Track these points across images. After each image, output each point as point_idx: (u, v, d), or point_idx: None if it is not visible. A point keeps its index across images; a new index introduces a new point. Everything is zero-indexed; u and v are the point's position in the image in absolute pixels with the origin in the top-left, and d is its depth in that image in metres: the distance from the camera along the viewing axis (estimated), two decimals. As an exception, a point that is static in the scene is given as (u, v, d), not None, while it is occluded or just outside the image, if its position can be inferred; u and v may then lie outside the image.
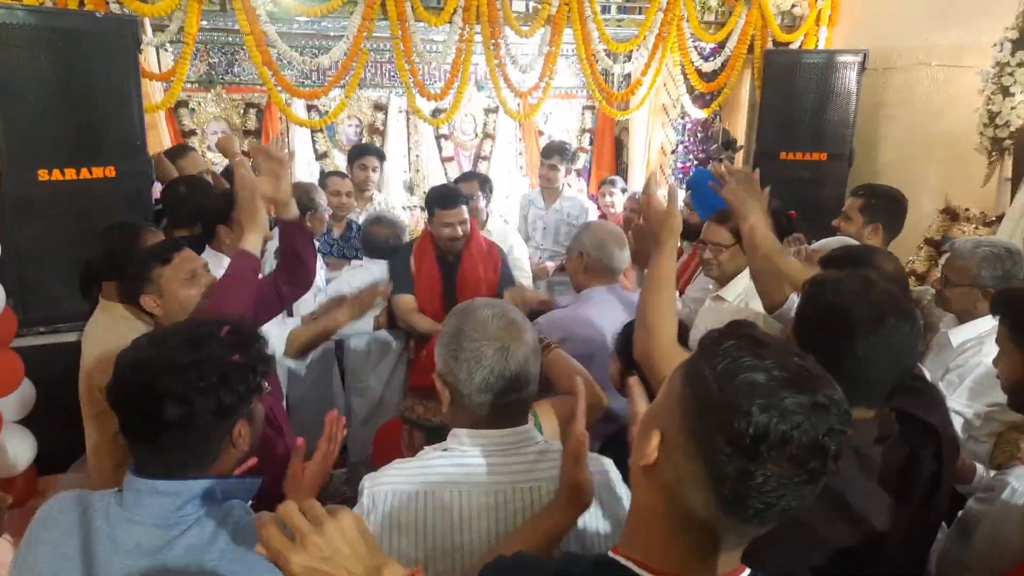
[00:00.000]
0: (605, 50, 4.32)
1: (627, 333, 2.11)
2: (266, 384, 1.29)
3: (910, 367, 1.34)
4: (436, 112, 4.89)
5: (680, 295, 3.00)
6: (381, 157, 4.43)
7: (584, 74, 4.33)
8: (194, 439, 1.19)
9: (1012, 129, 3.57)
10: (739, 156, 4.91)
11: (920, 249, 4.00)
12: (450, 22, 3.85)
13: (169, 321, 1.96)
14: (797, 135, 4.45)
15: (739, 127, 5.05)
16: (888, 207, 2.85)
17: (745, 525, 0.77)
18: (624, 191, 4.59)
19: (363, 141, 5.32)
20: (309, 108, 5.14)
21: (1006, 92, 3.56)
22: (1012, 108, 3.56)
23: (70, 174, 2.88)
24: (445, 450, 1.32)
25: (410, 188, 5.66)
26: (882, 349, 1.26)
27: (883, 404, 1.34)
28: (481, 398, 1.29)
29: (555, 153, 4.24)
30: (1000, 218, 3.61)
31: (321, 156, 5.29)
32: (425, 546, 1.24)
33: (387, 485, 1.28)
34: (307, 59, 3.92)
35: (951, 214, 3.98)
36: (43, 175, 2.82)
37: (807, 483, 0.75)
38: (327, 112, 4.79)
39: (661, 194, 1.86)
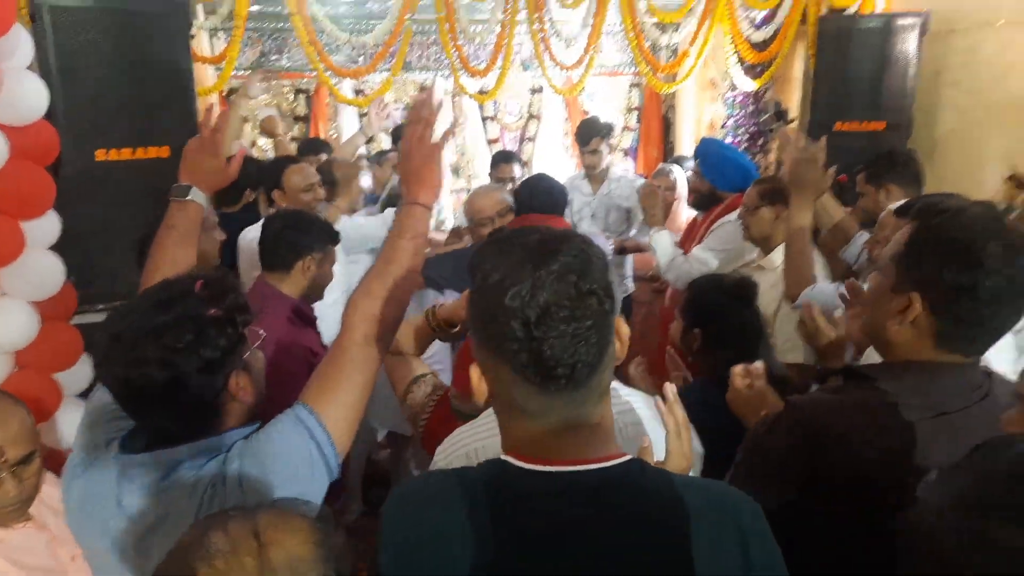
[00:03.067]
0: (652, 22, 4.23)
1: (693, 291, 2.06)
2: (257, 332, 1.27)
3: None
4: (481, 92, 4.88)
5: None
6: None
7: (630, 46, 4.26)
8: (187, 401, 1.17)
9: (1086, 89, 3.39)
10: (791, 127, 4.78)
11: (1004, 183, 3.82)
12: (494, -4, 3.84)
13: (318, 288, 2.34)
14: (853, 104, 4.28)
15: (792, 99, 4.90)
16: (888, 165, 2.76)
17: (529, 384, 0.87)
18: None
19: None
20: (356, 92, 5.19)
21: (1080, 50, 3.37)
22: (1086, 67, 3.37)
23: (126, 154, 2.95)
24: None
25: (456, 171, 5.68)
26: (1008, 291, 1.14)
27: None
28: None
29: (593, 135, 3.93)
30: (1073, 184, 3.43)
31: (369, 140, 5.33)
32: None
33: (480, 440, 1.27)
34: (352, 36, 3.95)
35: (1018, 182, 3.79)
36: (100, 155, 2.90)
37: (572, 326, 0.83)
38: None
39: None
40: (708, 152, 3.31)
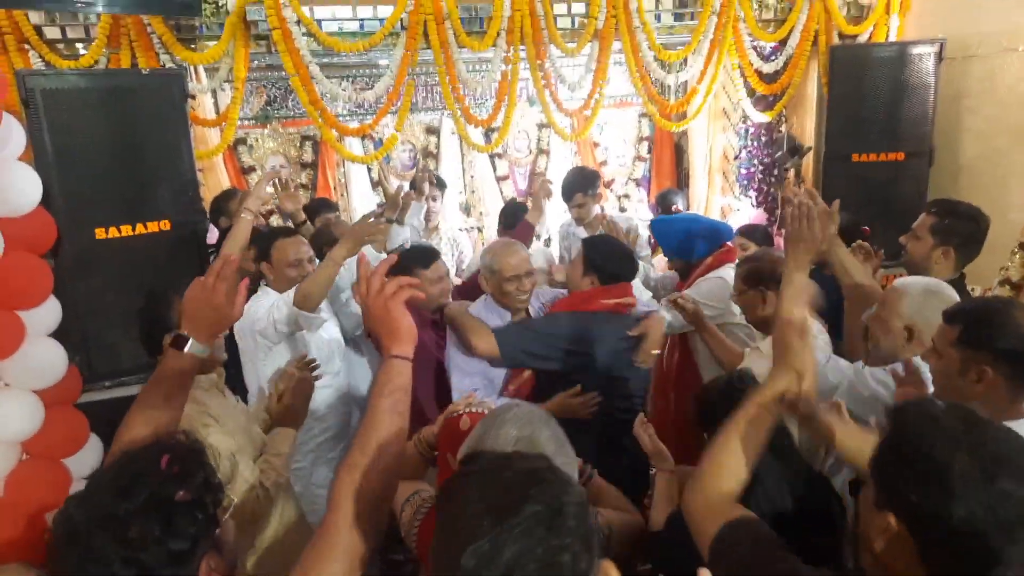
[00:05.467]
0: (657, 60, 4.14)
1: (708, 396, 1.94)
2: (224, 514, 1.18)
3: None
4: (489, 131, 4.83)
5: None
6: (442, 186, 4.49)
7: (635, 87, 4.18)
8: None
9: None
10: (809, 159, 4.66)
11: (1015, 254, 3.67)
12: (494, 46, 3.76)
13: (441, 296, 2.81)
14: (870, 135, 4.16)
15: (807, 127, 4.77)
16: (963, 228, 2.56)
17: None
18: None
19: (418, 166, 5.31)
20: (364, 137, 5.15)
21: (1104, 77, 3.23)
22: (1112, 94, 3.23)
23: (126, 230, 2.94)
24: None
25: (466, 209, 5.62)
26: (991, 519, 0.95)
27: None
28: None
29: (575, 191, 3.88)
30: (1105, 215, 3.28)
31: (376, 184, 5.30)
32: None
33: None
34: (353, 93, 3.92)
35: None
36: (100, 233, 2.88)
37: None
38: (382, 140, 4.80)
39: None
40: (659, 234, 3.34)
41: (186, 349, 1.49)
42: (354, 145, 5.02)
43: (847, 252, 2.41)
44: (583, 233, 3.99)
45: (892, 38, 4.42)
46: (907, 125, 4.11)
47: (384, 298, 1.32)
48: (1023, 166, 3.85)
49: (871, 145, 4.16)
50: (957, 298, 2.04)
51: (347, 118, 4.86)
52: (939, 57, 4.00)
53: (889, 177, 4.13)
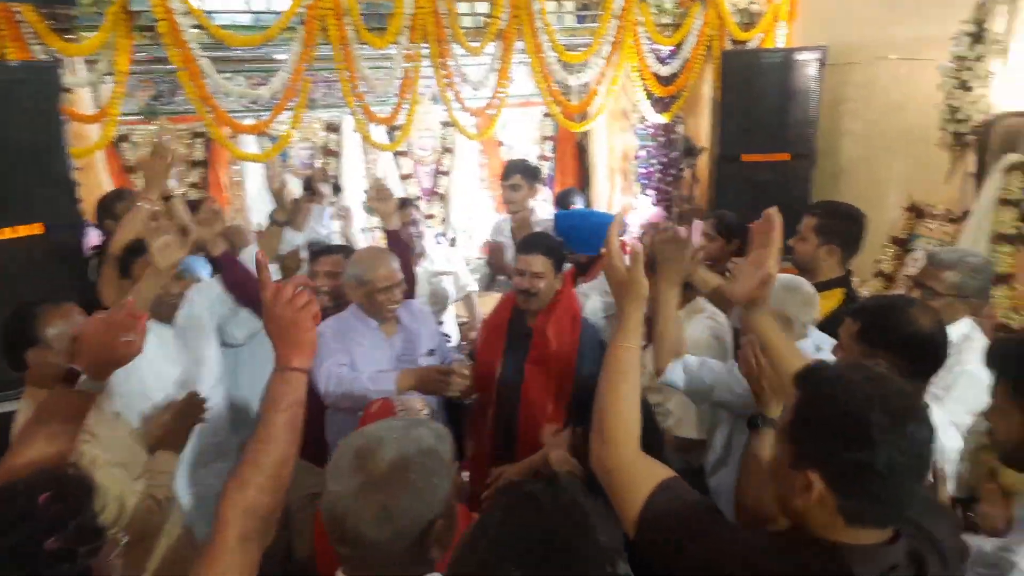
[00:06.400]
0: (559, 61, 4.19)
1: None
2: (113, 549, 1.11)
3: (926, 476, 1.15)
4: (393, 129, 4.74)
5: None
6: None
7: (538, 87, 4.21)
8: None
9: (973, 123, 3.51)
10: (703, 159, 4.84)
11: (887, 248, 3.94)
12: (395, 43, 3.70)
13: None
14: (759, 136, 4.37)
15: (702, 128, 4.95)
16: (844, 227, 2.73)
17: None
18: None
19: (317, 164, 5.17)
20: (261, 134, 4.95)
21: (965, 86, 3.50)
22: (972, 103, 3.49)
23: (-9, 235, 2.71)
24: None
25: (369, 209, 5.49)
26: (905, 460, 1.07)
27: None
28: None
29: (515, 172, 3.80)
30: (966, 214, 3.56)
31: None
32: None
33: None
34: (247, 89, 3.75)
35: (916, 211, 3.92)
36: (-39, 239, 2.65)
37: None
38: (278, 138, 4.62)
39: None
40: (565, 228, 3.33)
41: (78, 385, 1.38)
42: (250, 142, 4.82)
43: (702, 267, 2.55)
44: (509, 231, 3.91)
45: (780, 44, 4.65)
46: (793, 128, 4.33)
47: (293, 308, 1.26)
48: (897, 168, 4.13)
49: (760, 146, 4.37)
50: (813, 292, 2.23)
51: (242, 114, 4.64)
52: (822, 63, 4.23)
53: (776, 177, 4.33)
